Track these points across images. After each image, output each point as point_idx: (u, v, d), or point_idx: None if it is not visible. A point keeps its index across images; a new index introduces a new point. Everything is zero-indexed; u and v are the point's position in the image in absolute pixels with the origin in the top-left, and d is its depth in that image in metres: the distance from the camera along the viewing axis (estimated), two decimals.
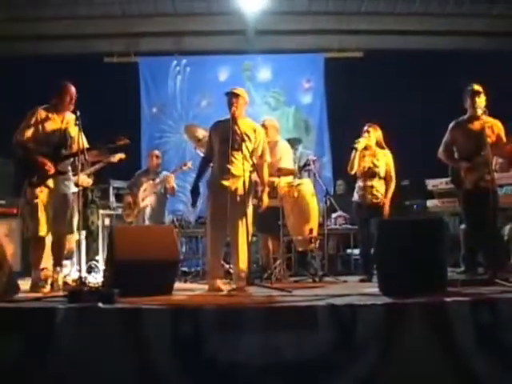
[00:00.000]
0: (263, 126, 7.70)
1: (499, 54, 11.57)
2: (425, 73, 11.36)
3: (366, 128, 7.74)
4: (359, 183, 7.71)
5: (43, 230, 6.42)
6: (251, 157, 6.48)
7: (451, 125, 7.01)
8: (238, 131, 6.40)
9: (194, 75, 12.41)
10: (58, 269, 6.59)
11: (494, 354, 4.49)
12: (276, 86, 12.46)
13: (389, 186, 7.65)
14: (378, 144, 7.73)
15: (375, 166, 7.61)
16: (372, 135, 7.69)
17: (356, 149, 7.52)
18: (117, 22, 11.88)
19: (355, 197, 7.76)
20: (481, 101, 6.72)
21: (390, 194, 7.65)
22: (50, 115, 6.60)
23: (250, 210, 6.50)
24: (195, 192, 6.74)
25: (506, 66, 10.85)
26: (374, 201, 7.56)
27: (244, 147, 6.38)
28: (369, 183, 7.60)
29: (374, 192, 7.58)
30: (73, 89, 6.72)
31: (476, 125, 6.64)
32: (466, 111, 6.87)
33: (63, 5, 11.28)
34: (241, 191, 6.31)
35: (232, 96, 6.60)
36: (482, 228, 6.56)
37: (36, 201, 6.44)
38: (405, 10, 11.65)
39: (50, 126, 6.57)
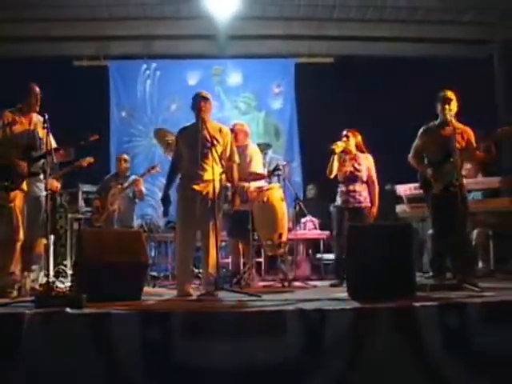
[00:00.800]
0: (233, 130, 7.71)
1: (468, 61, 11.70)
2: (394, 79, 11.43)
3: (344, 133, 7.79)
4: (341, 188, 7.76)
5: (19, 233, 6.37)
6: (220, 159, 6.46)
7: (421, 130, 7.04)
8: (207, 135, 6.39)
9: (164, 79, 12.39)
10: (26, 273, 6.53)
11: (461, 357, 4.51)
12: (246, 90, 12.48)
13: (372, 190, 7.71)
14: (359, 148, 7.79)
15: (357, 170, 7.68)
16: (351, 140, 7.75)
17: (334, 151, 7.56)
18: (87, 25, 11.80)
19: (338, 201, 7.80)
20: (451, 107, 6.76)
21: (376, 198, 7.72)
22: (16, 118, 6.57)
23: (220, 215, 6.49)
24: (166, 200, 6.69)
25: (474, 73, 10.97)
26: (357, 205, 7.64)
27: (213, 151, 6.36)
28: (351, 187, 7.66)
29: (357, 196, 7.64)
30: (37, 89, 6.69)
31: (446, 130, 6.66)
32: (436, 117, 6.91)
33: (34, 7, 11.17)
34: (211, 195, 6.26)
35: (201, 99, 6.58)
36: (449, 233, 6.61)
37: (11, 204, 6.38)
38: (375, 17, 11.70)
39: (17, 128, 6.53)
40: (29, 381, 4.33)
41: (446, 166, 6.65)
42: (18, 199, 6.42)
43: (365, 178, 7.72)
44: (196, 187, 6.40)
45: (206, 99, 6.61)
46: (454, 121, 6.68)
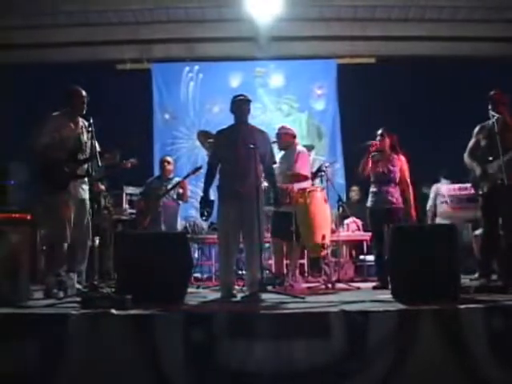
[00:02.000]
0: (279, 133, 7.80)
1: (507, 60, 11.55)
2: (437, 78, 11.34)
3: (380, 132, 7.73)
4: (373, 189, 7.70)
5: (67, 235, 6.49)
6: (261, 162, 6.48)
7: (476, 128, 6.97)
8: (247, 137, 6.42)
9: (207, 81, 12.45)
10: (72, 275, 6.62)
11: (507, 361, 4.46)
12: (289, 92, 12.48)
13: (407, 192, 7.63)
14: (393, 149, 7.72)
15: (390, 171, 7.60)
16: (386, 139, 7.68)
17: (368, 147, 7.51)
18: (129, 28, 11.91)
19: (369, 202, 7.75)
20: (502, 107, 6.69)
21: (412, 200, 7.63)
22: (64, 121, 6.68)
23: (262, 216, 6.49)
24: (207, 203, 6.69)
25: None
26: (388, 206, 7.54)
27: (254, 153, 6.36)
28: (383, 188, 7.59)
29: (389, 197, 7.56)
30: (83, 92, 6.80)
31: (498, 130, 6.57)
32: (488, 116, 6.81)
33: (76, 12, 11.32)
34: (254, 197, 6.28)
35: (241, 102, 6.62)
36: (497, 234, 6.54)
37: (58, 206, 6.50)
38: (418, 16, 11.61)
39: (65, 132, 6.65)
40: (75, 381, 4.40)
41: (494, 165, 6.57)
42: (64, 201, 6.53)
43: (397, 180, 7.64)
44: (238, 189, 6.42)
45: (245, 102, 6.63)
46: (508, 120, 6.61)
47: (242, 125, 6.61)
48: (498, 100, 6.75)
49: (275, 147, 7.48)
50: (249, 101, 6.66)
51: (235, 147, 6.46)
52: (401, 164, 7.67)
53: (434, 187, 9.49)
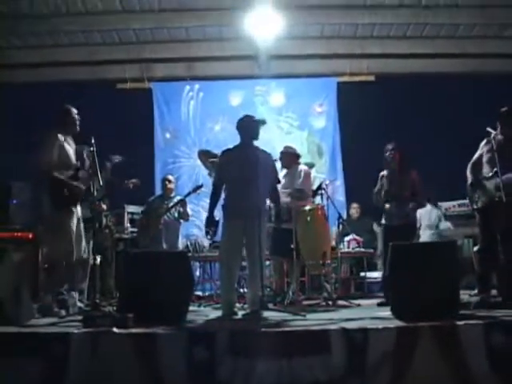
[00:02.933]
0: (282, 153, 7.90)
1: (507, 76, 11.61)
2: (436, 96, 11.39)
3: (390, 147, 7.83)
4: (387, 205, 7.78)
5: (72, 253, 6.55)
6: (266, 181, 6.54)
7: (483, 142, 7.02)
8: (254, 158, 6.48)
9: (207, 100, 12.47)
10: (74, 293, 6.66)
11: (507, 377, 4.48)
12: (289, 110, 12.49)
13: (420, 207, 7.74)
14: (402, 165, 7.82)
15: (402, 187, 7.71)
16: (397, 156, 7.79)
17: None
18: (130, 48, 11.98)
19: (383, 219, 7.85)
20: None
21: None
22: (65, 139, 6.74)
23: (264, 235, 6.53)
24: (212, 223, 6.72)
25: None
26: (401, 222, 7.64)
27: (259, 173, 6.43)
28: (396, 204, 7.67)
29: (401, 213, 7.64)
30: (75, 111, 6.95)
31: (499, 146, 6.63)
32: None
33: (77, 32, 11.41)
34: (257, 216, 6.33)
35: (257, 124, 6.74)
36: (495, 249, 6.57)
37: (67, 224, 6.59)
38: (416, 34, 11.68)
39: (68, 149, 6.71)
40: None
41: (492, 181, 6.62)
42: (70, 219, 6.60)
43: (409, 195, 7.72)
44: (243, 208, 6.46)
45: (256, 123, 6.72)
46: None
47: (247, 145, 6.67)
48: (505, 117, 6.82)
49: (278, 166, 7.56)
50: (260, 122, 6.75)
51: (241, 167, 6.52)
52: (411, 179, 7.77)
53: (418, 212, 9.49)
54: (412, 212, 7.78)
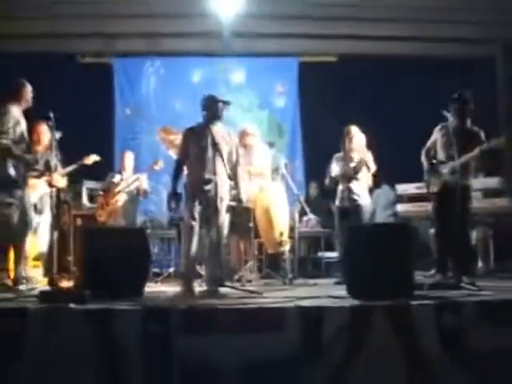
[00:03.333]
0: (244, 131, 7.93)
1: (470, 61, 11.74)
2: (396, 77, 11.47)
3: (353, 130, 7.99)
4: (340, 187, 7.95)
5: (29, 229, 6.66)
6: (228, 160, 6.57)
7: (437, 128, 7.14)
8: (217, 138, 6.52)
9: (168, 76, 12.38)
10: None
11: (457, 356, 4.59)
12: (250, 88, 12.47)
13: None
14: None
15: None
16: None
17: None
18: (92, 21, 11.81)
19: (336, 201, 8.05)
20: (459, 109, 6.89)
21: None
22: (20, 114, 6.67)
23: (224, 214, 6.57)
24: (175, 196, 6.76)
25: (476, 73, 11.03)
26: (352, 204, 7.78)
27: (221, 153, 6.49)
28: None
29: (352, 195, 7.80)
30: (29, 86, 6.85)
31: (454, 131, 6.75)
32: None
33: (38, 4, 11.24)
34: (217, 195, 6.39)
35: (221, 103, 6.74)
36: (449, 232, 6.71)
37: (24, 201, 6.64)
38: (380, 16, 11.71)
39: (23, 123, 6.64)
40: (33, 375, 4.42)
41: (447, 166, 6.75)
42: (28, 196, 6.62)
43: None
44: (205, 187, 6.50)
45: (220, 103, 6.73)
46: (465, 122, 6.80)
47: (210, 124, 6.68)
48: (458, 103, 6.92)
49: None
50: (224, 102, 6.77)
51: (202, 146, 6.56)
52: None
53: (375, 193, 9.58)
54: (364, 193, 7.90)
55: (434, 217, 7.15)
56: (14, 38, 11.82)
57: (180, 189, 6.76)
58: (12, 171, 6.51)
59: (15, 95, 6.71)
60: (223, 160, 6.52)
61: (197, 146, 6.63)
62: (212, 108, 6.72)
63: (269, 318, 4.64)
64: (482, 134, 6.90)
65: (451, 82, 9.14)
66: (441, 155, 6.98)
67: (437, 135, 7.12)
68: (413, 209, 8.97)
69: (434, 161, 6.95)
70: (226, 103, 6.78)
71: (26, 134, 6.71)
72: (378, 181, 8.55)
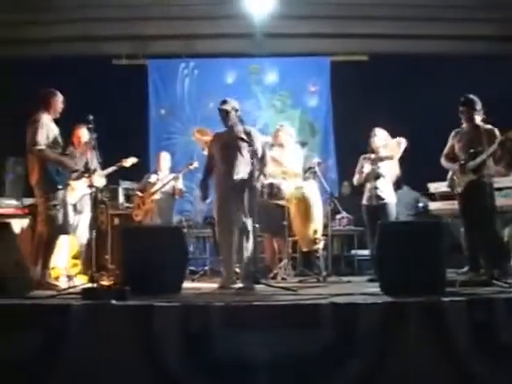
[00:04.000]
0: (277, 130, 8.07)
1: (500, 58, 11.72)
2: (428, 76, 11.49)
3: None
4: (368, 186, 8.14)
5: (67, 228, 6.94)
6: (252, 159, 6.70)
7: (452, 133, 7.24)
8: (236, 138, 6.77)
9: (202, 78, 12.53)
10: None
11: (489, 352, 4.67)
12: (282, 88, 12.55)
13: None
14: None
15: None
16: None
17: None
18: (126, 24, 11.99)
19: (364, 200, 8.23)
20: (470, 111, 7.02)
21: None
22: (50, 120, 6.90)
23: (254, 211, 6.70)
24: (204, 185, 7.08)
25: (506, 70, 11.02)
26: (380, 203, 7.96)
27: (243, 151, 6.73)
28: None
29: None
30: (60, 96, 7.09)
31: (471, 132, 6.88)
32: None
33: (73, 8, 11.46)
34: (247, 194, 6.56)
35: (221, 112, 6.97)
36: (476, 230, 6.80)
37: (66, 201, 6.95)
38: (409, 15, 11.76)
39: (55, 129, 6.88)
40: (73, 372, 4.58)
41: (468, 165, 6.85)
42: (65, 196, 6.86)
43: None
44: (231, 187, 6.70)
45: (226, 112, 6.93)
46: (479, 123, 6.89)
47: (229, 128, 6.96)
48: (464, 106, 7.03)
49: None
50: (226, 111, 6.96)
51: (226, 148, 6.86)
52: None
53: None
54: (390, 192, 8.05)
55: (461, 216, 7.25)
56: (48, 42, 12.05)
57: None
58: (53, 175, 6.74)
59: (45, 105, 6.94)
60: (247, 159, 6.75)
61: (220, 149, 6.94)
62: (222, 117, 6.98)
63: (303, 315, 4.75)
64: (496, 131, 6.97)
65: (482, 80, 9.16)
66: (462, 158, 7.06)
67: (453, 141, 7.24)
68: (444, 206, 8.96)
69: (462, 161, 6.99)
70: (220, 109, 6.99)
71: (59, 138, 6.93)
72: (399, 181, 8.63)
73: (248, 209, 6.55)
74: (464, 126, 7.08)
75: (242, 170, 6.73)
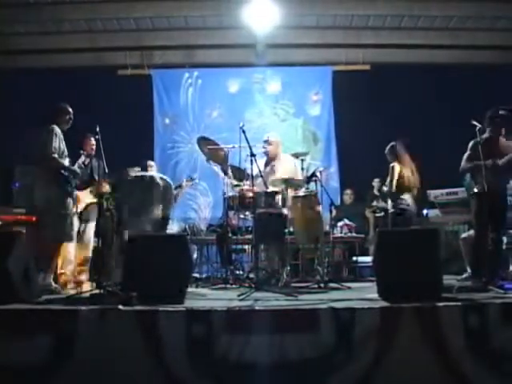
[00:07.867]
0: (267, 141, 8.24)
1: (503, 67, 11.85)
2: (429, 85, 11.64)
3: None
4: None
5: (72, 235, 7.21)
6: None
7: (470, 144, 7.23)
8: None
9: (206, 87, 12.71)
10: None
11: (483, 357, 4.81)
12: (285, 98, 12.73)
13: None
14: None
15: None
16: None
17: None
18: (131, 35, 12.19)
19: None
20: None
21: None
22: (60, 131, 7.17)
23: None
24: None
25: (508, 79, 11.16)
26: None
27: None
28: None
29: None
30: (70, 109, 7.42)
31: (490, 145, 6.97)
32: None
33: (79, 19, 11.64)
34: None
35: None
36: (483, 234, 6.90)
37: (70, 208, 7.22)
38: (410, 25, 11.91)
39: (63, 141, 7.13)
40: (83, 373, 4.74)
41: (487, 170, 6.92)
42: (72, 203, 7.08)
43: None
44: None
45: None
46: (499, 136, 7.06)
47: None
48: (491, 118, 7.14)
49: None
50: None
51: None
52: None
53: None
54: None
55: (474, 218, 7.19)
56: (54, 53, 12.25)
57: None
58: (62, 183, 6.98)
59: (55, 118, 7.23)
60: None
61: None
62: None
63: (303, 319, 4.90)
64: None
65: (484, 89, 9.29)
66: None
67: (471, 151, 7.25)
68: (443, 214, 9.09)
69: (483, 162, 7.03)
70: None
71: (66, 150, 7.24)
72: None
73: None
74: (484, 136, 7.13)
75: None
